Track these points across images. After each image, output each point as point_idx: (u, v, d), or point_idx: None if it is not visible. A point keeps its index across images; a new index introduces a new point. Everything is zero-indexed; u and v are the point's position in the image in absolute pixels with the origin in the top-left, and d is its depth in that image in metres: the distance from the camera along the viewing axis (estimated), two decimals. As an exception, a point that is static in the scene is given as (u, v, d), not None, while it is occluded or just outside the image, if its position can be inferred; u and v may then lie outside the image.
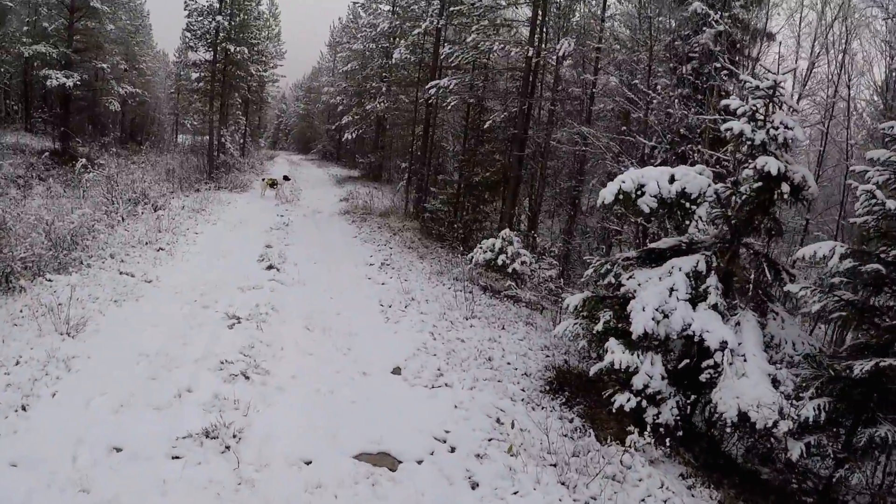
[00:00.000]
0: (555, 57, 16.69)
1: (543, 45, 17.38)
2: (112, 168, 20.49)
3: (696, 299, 8.38)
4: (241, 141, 40.71)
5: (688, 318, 8.18)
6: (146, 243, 14.43)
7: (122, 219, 16.56)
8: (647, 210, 8.44)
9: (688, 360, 8.53)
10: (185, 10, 28.91)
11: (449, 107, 19.00)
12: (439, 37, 22.19)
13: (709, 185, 8.57)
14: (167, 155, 32.48)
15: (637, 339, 8.11)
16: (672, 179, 8.51)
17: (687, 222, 9.00)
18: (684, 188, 8.48)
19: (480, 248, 15.16)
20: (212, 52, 28.59)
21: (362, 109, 35.38)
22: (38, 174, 21.02)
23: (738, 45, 16.82)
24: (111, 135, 35.71)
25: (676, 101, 14.15)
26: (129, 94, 40.32)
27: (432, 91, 17.85)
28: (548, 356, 10.76)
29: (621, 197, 8.27)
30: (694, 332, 8.03)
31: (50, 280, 10.43)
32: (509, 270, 14.70)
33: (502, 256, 14.68)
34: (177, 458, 6.07)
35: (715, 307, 8.21)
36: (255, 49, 36.33)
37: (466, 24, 19.62)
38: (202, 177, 27.74)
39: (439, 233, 20.03)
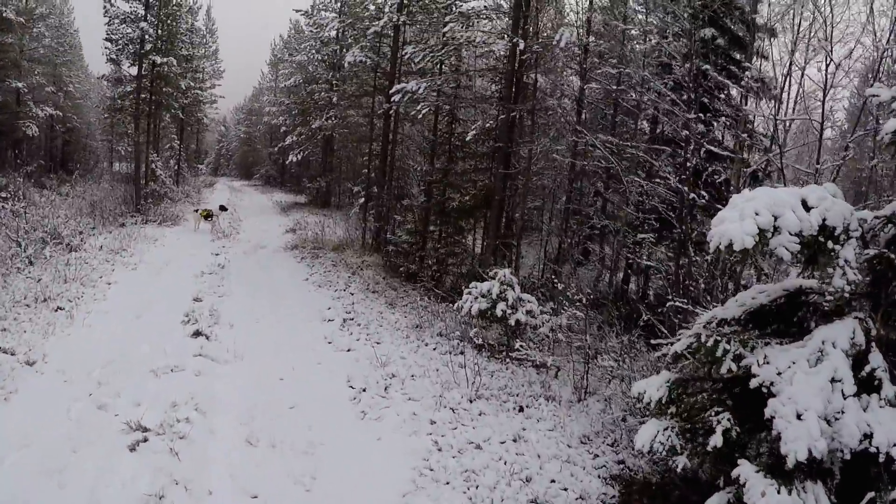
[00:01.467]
0: (555, 50, 13.51)
1: (536, 38, 14.22)
2: (20, 202, 17.89)
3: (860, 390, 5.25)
4: (176, 167, 36.73)
5: (863, 425, 5.06)
6: (43, 300, 11.14)
7: (29, 262, 13.68)
8: (787, 256, 5.21)
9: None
10: (104, 16, 24.96)
11: (419, 116, 15.61)
12: (399, 36, 18.94)
13: (851, 214, 5.42)
14: (95, 185, 28.73)
15: (794, 467, 4.90)
16: (806, 205, 5.37)
17: (830, 270, 5.76)
18: (824, 219, 5.31)
19: (471, 293, 11.83)
20: (137, 66, 24.70)
21: (308, 128, 31.79)
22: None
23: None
24: (35, 163, 31.84)
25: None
26: (54, 118, 36.35)
27: (396, 98, 14.47)
28: (596, 456, 7.44)
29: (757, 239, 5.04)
30: (878, 447, 4.92)
31: None
32: (511, 322, 11.39)
33: (501, 305, 11.34)
34: None
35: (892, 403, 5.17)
36: (187, 62, 32.63)
37: (433, 21, 16.40)
38: (128, 209, 23.85)
39: (408, 270, 16.65)
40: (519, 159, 15.86)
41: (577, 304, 10.77)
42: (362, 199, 25.31)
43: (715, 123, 13.10)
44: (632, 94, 16.03)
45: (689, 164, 11.69)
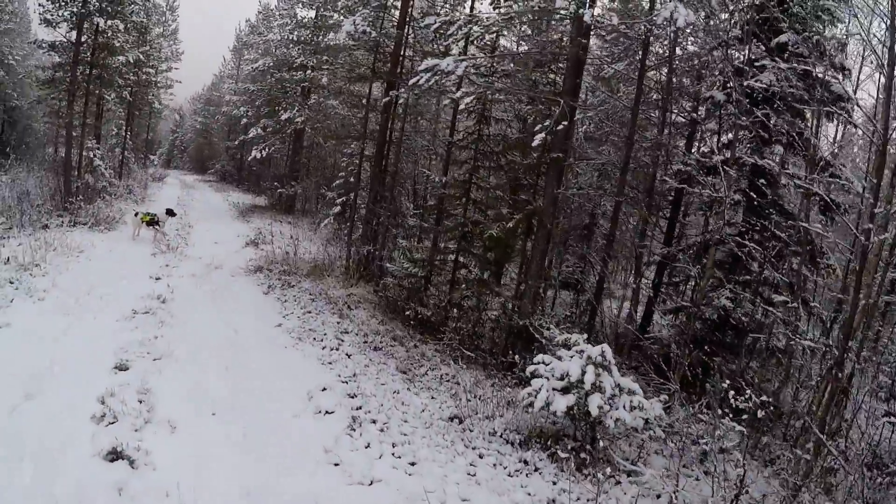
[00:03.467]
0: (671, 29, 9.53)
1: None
2: None
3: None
4: (121, 157, 31.81)
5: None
6: None
7: None
8: None
9: None
10: (38, -35, 20.12)
11: (461, 107, 11.27)
12: (407, 6, 14.76)
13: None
14: (30, 173, 23.85)
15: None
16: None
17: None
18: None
19: (541, 376, 7.87)
20: (75, 30, 19.87)
21: (275, 120, 27.23)
22: None
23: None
24: None
25: None
26: None
27: (422, 80, 10.17)
28: None
29: None
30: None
31: None
32: (609, 422, 7.40)
33: (596, 399, 7.35)
34: None
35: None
36: (139, 34, 27.90)
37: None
38: (55, 206, 19.11)
39: (417, 315, 12.38)
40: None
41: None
42: (337, 208, 21.13)
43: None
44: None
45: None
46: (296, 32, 27.48)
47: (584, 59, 11.25)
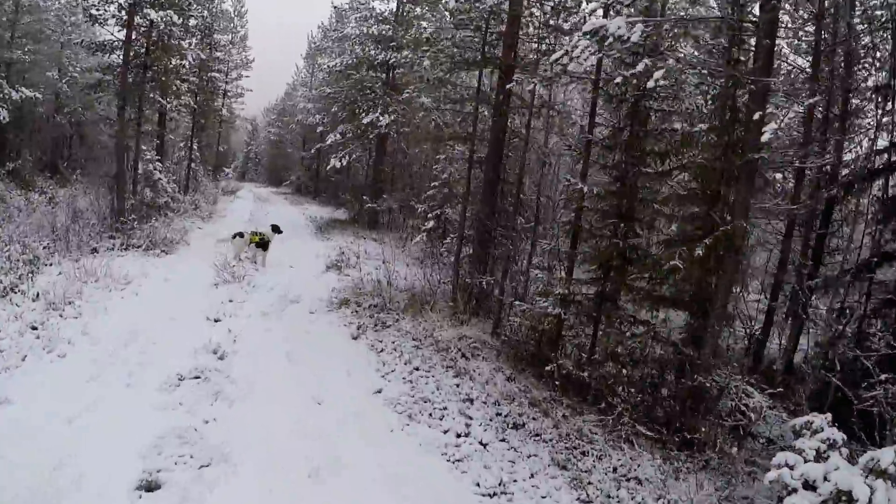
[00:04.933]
0: None
1: None
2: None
3: None
4: (188, 170, 29.59)
5: None
6: None
7: None
8: None
9: None
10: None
11: (649, 84, 7.59)
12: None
13: None
14: (93, 188, 21.84)
15: None
16: None
17: None
18: None
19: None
20: (125, 27, 17.34)
21: (355, 125, 24.35)
22: None
23: None
24: (22, 159, 25.22)
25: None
26: (57, 111, 29.65)
27: (578, 50, 6.87)
28: None
29: None
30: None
31: None
32: None
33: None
34: None
35: None
36: (204, 36, 25.58)
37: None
38: (106, 227, 16.62)
39: (569, 376, 8.86)
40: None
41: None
42: (431, 223, 18.05)
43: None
44: None
45: None
46: (375, 27, 24.60)
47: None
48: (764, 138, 6.59)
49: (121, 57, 17.34)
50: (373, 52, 24.53)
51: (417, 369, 9.13)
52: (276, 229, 16.20)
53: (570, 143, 10.76)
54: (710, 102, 9.47)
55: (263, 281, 13.85)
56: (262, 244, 15.69)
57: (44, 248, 13.45)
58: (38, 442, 6.05)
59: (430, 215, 18.38)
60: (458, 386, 8.64)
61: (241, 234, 15.69)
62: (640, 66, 6.98)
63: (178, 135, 32.38)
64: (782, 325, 11.55)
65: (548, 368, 8.96)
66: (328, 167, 25.18)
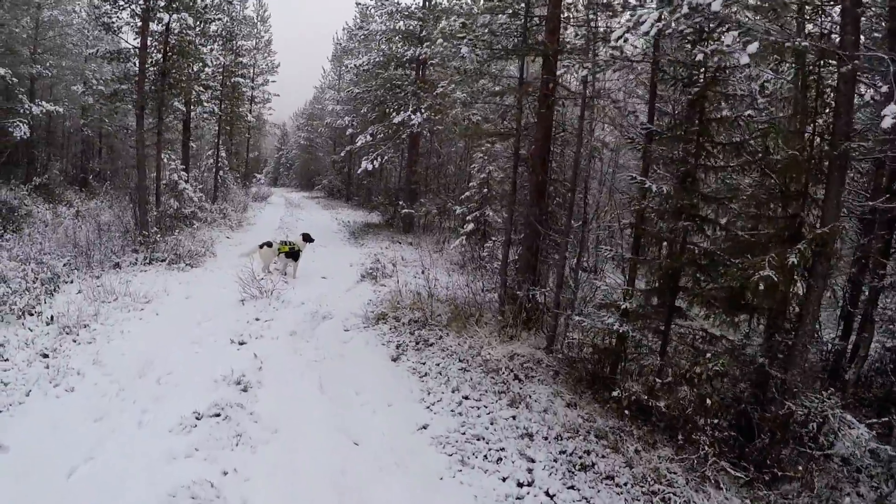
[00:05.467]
0: None
1: None
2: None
3: None
4: (214, 178, 28.85)
5: None
6: None
7: None
8: None
9: None
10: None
11: (743, 60, 6.31)
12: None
13: None
14: (120, 201, 21.33)
15: None
16: None
17: None
18: None
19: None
20: (139, 34, 16.45)
21: (386, 125, 23.38)
22: None
23: None
24: (49, 173, 24.90)
25: None
26: (82, 126, 29.29)
27: (647, 24, 5.70)
28: None
29: None
30: None
31: None
32: None
33: None
34: None
35: None
36: (225, 41, 24.78)
37: None
38: (130, 241, 15.83)
39: (650, 406, 7.63)
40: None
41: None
42: (470, 226, 17.00)
43: None
44: None
45: None
46: (402, 23, 23.57)
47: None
48: (885, 124, 5.36)
49: (136, 65, 16.48)
50: (401, 49, 23.53)
51: (467, 398, 8.00)
52: (307, 238, 15.19)
53: (631, 136, 9.50)
54: (773, 85, 8.23)
55: (293, 295, 12.82)
56: (293, 254, 14.72)
57: (64, 264, 12.72)
58: (29, 500, 5.14)
59: (468, 217, 17.30)
60: (514, 418, 7.50)
61: (268, 244, 14.74)
62: (727, 39, 5.79)
63: (205, 142, 31.72)
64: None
65: (615, 394, 7.78)
66: (359, 170, 24.21)
